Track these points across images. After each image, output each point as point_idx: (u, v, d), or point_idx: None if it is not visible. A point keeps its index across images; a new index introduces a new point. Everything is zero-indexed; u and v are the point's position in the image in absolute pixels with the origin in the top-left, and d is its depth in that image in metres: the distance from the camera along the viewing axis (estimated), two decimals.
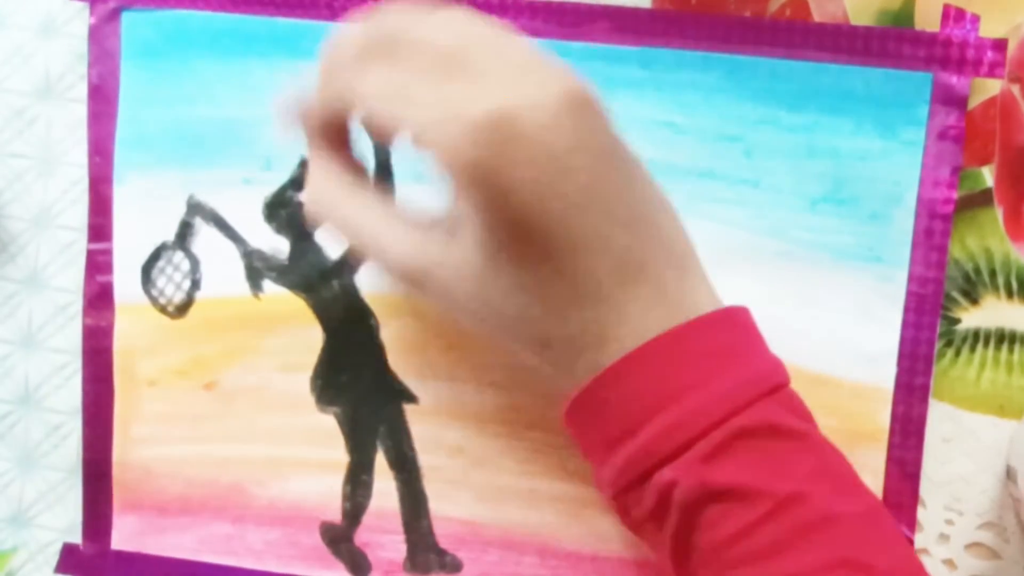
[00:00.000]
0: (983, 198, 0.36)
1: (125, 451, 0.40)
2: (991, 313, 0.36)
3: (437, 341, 0.38)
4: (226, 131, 0.39)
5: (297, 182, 0.39)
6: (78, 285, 0.40)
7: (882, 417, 0.36)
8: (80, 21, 0.40)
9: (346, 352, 0.39)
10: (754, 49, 0.36)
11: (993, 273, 0.36)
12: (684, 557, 0.31)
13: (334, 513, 0.39)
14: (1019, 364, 0.36)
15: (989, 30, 0.35)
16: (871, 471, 0.36)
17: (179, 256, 0.40)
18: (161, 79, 0.39)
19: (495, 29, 0.30)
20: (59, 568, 0.41)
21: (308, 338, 0.39)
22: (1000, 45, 0.35)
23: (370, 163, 0.38)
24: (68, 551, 0.41)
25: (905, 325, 0.36)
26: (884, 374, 0.36)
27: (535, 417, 0.38)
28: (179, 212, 0.39)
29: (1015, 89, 0.36)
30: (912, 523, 0.36)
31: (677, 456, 0.30)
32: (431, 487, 0.38)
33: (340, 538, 0.39)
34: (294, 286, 0.39)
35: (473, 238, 0.30)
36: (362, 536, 0.39)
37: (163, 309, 0.40)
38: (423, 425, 0.38)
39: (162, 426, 0.40)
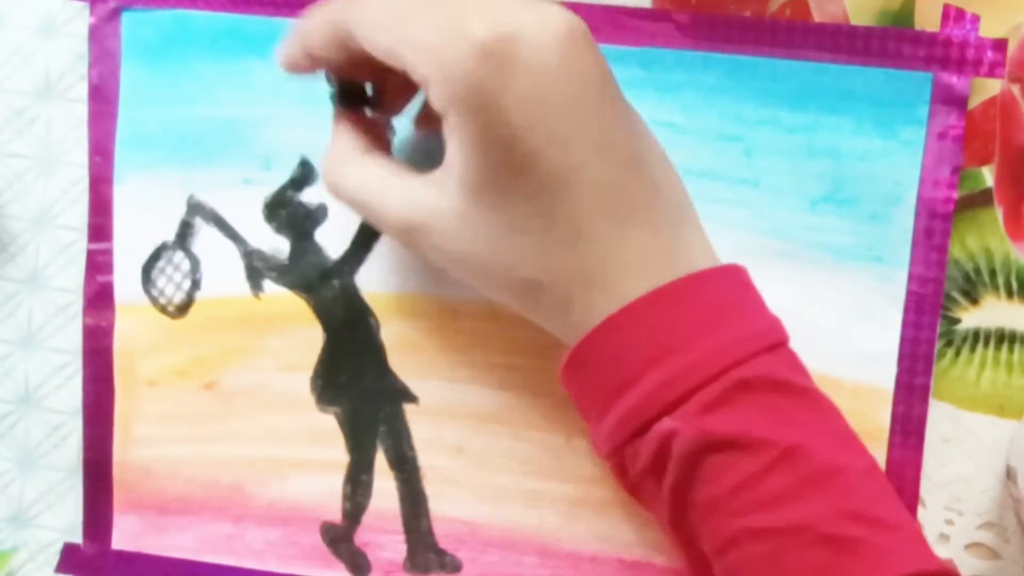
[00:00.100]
0: (983, 198, 0.36)
1: (125, 451, 0.40)
2: (991, 313, 0.36)
3: (437, 341, 0.38)
4: (226, 131, 0.39)
5: (297, 182, 0.39)
6: (78, 285, 0.40)
7: (882, 417, 0.36)
8: (80, 21, 0.39)
9: (346, 352, 0.39)
10: (754, 49, 0.36)
11: (993, 273, 0.36)
12: (682, 513, 0.31)
13: (334, 513, 0.39)
14: (1019, 364, 0.36)
15: (989, 30, 0.35)
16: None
17: (179, 256, 0.40)
18: (161, 79, 0.39)
19: None
20: (59, 568, 0.41)
21: (308, 338, 0.39)
22: (1000, 45, 0.35)
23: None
24: (68, 551, 0.41)
25: (905, 325, 0.36)
26: (884, 374, 0.36)
27: (535, 417, 0.38)
28: (179, 212, 0.39)
29: (1015, 89, 0.36)
30: None
31: (677, 406, 0.30)
32: (431, 487, 0.38)
33: (340, 538, 0.39)
34: (294, 286, 0.39)
35: (461, 181, 0.30)
36: (362, 536, 0.39)
37: (163, 309, 0.40)
38: (423, 425, 0.38)
39: (162, 426, 0.40)
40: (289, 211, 0.39)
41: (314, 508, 0.39)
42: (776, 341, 0.31)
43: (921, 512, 0.37)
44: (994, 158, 0.36)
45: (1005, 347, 0.36)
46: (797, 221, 0.36)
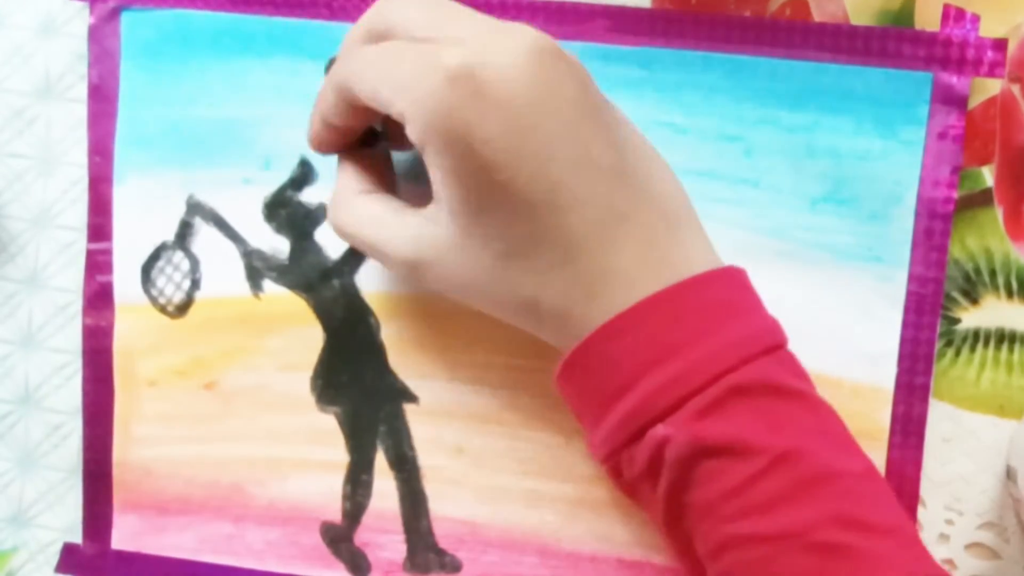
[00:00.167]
0: (983, 198, 0.36)
1: (125, 451, 0.40)
2: (991, 313, 0.36)
3: (437, 341, 0.38)
4: (226, 131, 0.39)
5: (297, 182, 0.39)
6: (78, 285, 0.40)
7: (882, 417, 0.36)
8: (80, 21, 0.39)
9: (346, 352, 0.39)
10: (754, 49, 0.36)
11: (993, 273, 0.36)
12: (677, 517, 0.31)
13: (334, 513, 0.39)
14: (1019, 364, 0.36)
15: (989, 30, 0.35)
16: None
17: (179, 256, 0.40)
18: (161, 79, 0.39)
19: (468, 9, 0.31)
20: (59, 568, 0.41)
21: (308, 338, 0.39)
22: (1000, 45, 0.35)
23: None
24: (68, 551, 0.41)
25: (905, 325, 0.36)
26: (884, 374, 0.36)
27: (535, 417, 0.38)
28: (179, 212, 0.39)
29: (1015, 89, 0.36)
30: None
31: (671, 412, 0.30)
32: (431, 487, 0.38)
33: (340, 538, 0.39)
34: (294, 286, 0.39)
35: (450, 214, 0.31)
36: (362, 536, 0.39)
37: (163, 309, 0.40)
38: (423, 425, 0.38)
39: (162, 426, 0.40)
40: (289, 211, 0.39)
41: (314, 508, 0.39)
42: (773, 344, 0.31)
43: (921, 512, 0.37)
44: (994, 158, 0.36)
45: (1005, 347, 0.36)
46: (797, 221, 0.36)
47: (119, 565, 0.40)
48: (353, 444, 0.39)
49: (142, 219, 0.40)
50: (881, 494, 0.31)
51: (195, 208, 0.39)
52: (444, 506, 0.38)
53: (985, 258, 0.36)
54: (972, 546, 0.37)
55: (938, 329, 0.36)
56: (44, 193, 0.40)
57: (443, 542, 0.39)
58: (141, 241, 0.40)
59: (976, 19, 0.35)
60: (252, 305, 0.39)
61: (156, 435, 0.40)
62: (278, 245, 0.39)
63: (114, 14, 0.39)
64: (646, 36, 0.37)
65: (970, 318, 0.37)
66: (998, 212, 0.36)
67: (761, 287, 0.33)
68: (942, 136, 0.36)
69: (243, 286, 0.39)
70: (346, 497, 0.39)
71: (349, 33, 0.33)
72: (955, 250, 0.36)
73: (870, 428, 0.36)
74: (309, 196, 0.39)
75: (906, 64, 0.36)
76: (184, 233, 0.39)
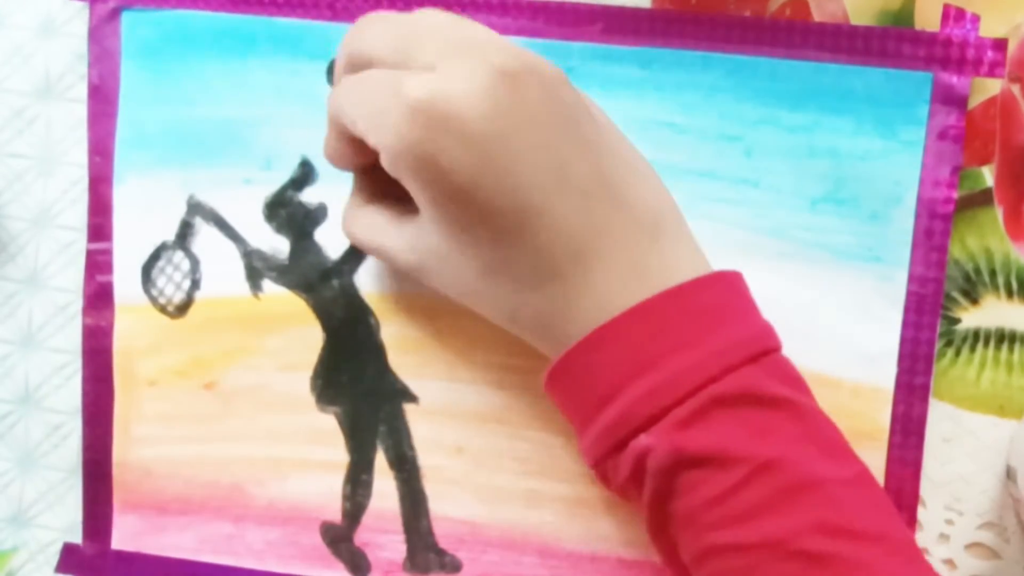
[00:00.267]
0: (983, 198, 0.36)
1: (125, 451, 0.40)
2: (991, 313, 0.36)
3: (437, 341, 0.38)
4: (226, 131, 0.39)
5: (297, 182, 0.39)
6: (78, 285, 0.40)
7: (882, 417, 0.36)
8: (80, 21, 0.40)
9: (346, 352, 0.39)
10: (754, 49, 0.36)
11: (993, 273, 0.36)
12: (661, 525, 0.31)
13: (334, 513, 0.39)
14: (1019, 364, 0.36)
15: (989, 30, 0.35)
16: (871, 471, 0.36)
17: (179, 256, 0.40)
18: (161, 79, 0.39)
19: (449, 19, 0.31)
20: (59, 568, 0.41)
21: (308, 338, 0.39)
22: (1000, 45, 0.35)
23: None
24: (68, 551, 0.41)
25: (905, 325, 0.36)
26: (884, 374, 0.36)
27: (535, 417, 0.38)
28: (179, 212, 0.39)
29: (1015, 89, 0.36)
30: (912, 523, 0.36)
31: (653, 423, 0.30)
32: (431, 487, 0.38)
33: (340, 538, 0.39)
34: (294, 286, 0.39)
35: (434, 227, 0.31)
36: (362, 536, 0.39)
37: (163, 309, 0.40)
38: (423, 425, 0.38)
39: (162, 426, 0.40)
40: (289, 211, 0.39)
41: (314, 508, 0.39)
42: (760, 350, 0.31)
43: (921, 512, 0.37)
44: (994, 158, 0.36)
45: (1005, 347, 0.36)
46: (797, 221, 0.36)
47: (119, 565, 0.40)
48: (353, 444, 0.39)
49: (142, 219, 0.40)
50: (870, 501, 0.30)
51: (195, 208, 0.39)
52: (444, 506, 0.38)
53: (985, 258, 0.36)
54: (972, 546, 0.37)
55: (938, 329, 0.36)
56: (44, 193, 0.40)
57: (443, 542, 0.39)
58: (141, 241, 0.40)
59: (976, 19, 0.35)
60: (252, 305, 0.39)
61: (156, 435, 0.40)
62: (278, 245, 0.39)
63: (114, 14, 0.39)
64: (646, 36, 0.37)
65: (970, 318, 0.37)
66: (998, 212, 0.36)
67: (761, 287, 0.33)
68: (942, 136, 0.36)
69: (243, 286, 0.39)
70: (346, 497, 0.39)
71: (336, 60, 0.33)
72: (955, 250, 0.36)
73: (870, 428, 0.36)
74: (309, 196, 0.39)
75: (906, 64, 0.36)
76: (184, 233, 0.39)
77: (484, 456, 0.38)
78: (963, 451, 0.37)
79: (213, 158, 0.39)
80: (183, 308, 0.40)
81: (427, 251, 0.32)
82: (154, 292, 0.40)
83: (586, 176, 0.31)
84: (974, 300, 0.37)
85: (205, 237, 0.39)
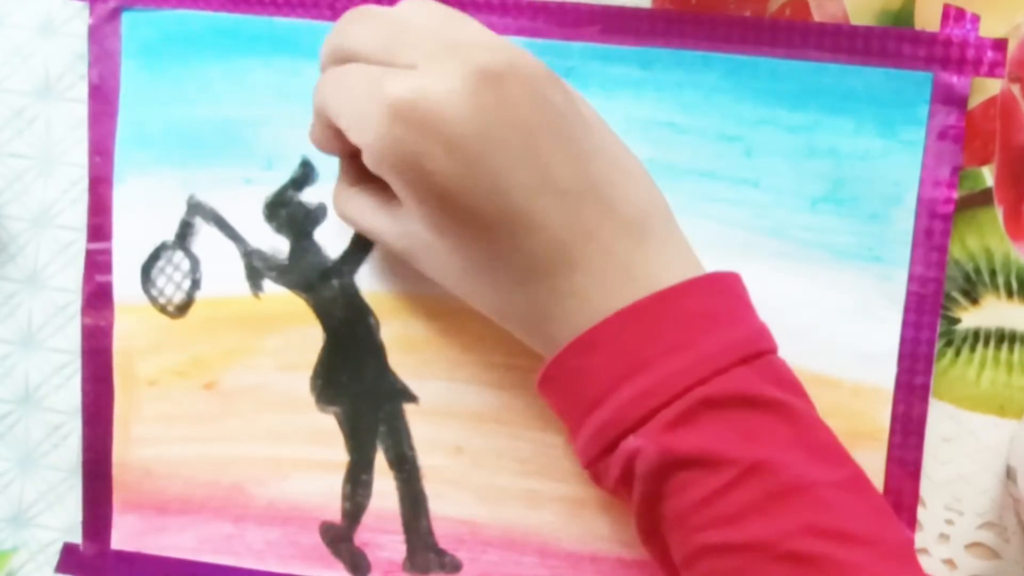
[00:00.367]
0: (983, 198, 0.36)
1: (125, 451, 0.40)
2: (991, 313, 0.36)
3: (437, 341, 0.38)
4: (226, 131, 0.39)
5: (297, 182, 0.39)
6: (78, 285, 0.40)
7: (882, 417, 0.36)
8: (80, 21, 0.40)
9: (346, 352, 0.39)
10: (754, 49, 0.36)
11: (993, 273, 0.36)
12: (651, 526, 0.31)
13: (334, 513, 0.39)
14: (1019, 364, 0.36)
15: (989, 30, 0.35)
16: (871, 471, 0.36)
17: (179, 256, 0.40)
18: (161, 79, 0.39)
19: (436, 15, 0.31)
20: (59, 568, 0.41)
21: (308, 338, 0.39)
22: (1000, 45, 0.35)
23: None
24: (68, 551, 0.41)
25: (905, 325, 0.36)
26: (884, 374, 0.36)
27: (535, 417, 0.38)
28: (179, 212, 0.39)
29: (1015, 89, 0.36)
30: (912, 523, 0.36)
31: (642, 425, 0.30)
32: (431, 487, 0.38)
33: (340, 538, 0.39)
34: (294, 286, 0.39)
35: (420, 223, 0.31)
36: (362, 536, 0.39)
37: (163, 309, 0.40)
38: (423, 425, 0.38)
39: (162, 426, 0.40)
40: (289, 211, 0.39)
41: (314, 508, 0.39)
42: (752, 352, 0.31)
43: (921, 512, 0.37)
44: (994, 158, 0.36)
45: (1005, 347, 0.36)
46: (797, 221, 0.36)
47: (119, 565, 0.40)
48: (353, 444, 0.39)
49: (142, 219, 0.40)
50: (863, 503, 0.30)
51: (195, 208, 0.39)
52: (444, 506, 0.38)
53: (985, 258, 0.36)
54: (972, 546, 0.37)
55: (938, 329, 0.36)
56: (44, 193, 0.40)
57: (443, 542, 0.39)
58: (141, 241, 0.40)
59: (976, 19, 0.35)
60: (252, 305, 0.39)
61: (156, 435, 0.40)
62: (278, 245, 0.39)
63: (114, 14, 0.39)
64: (646, 36, 0.37)
65: (970, 318, 0.37)
66: (998, 212, 0.36)
67: (761, 287, 0.33)
68: (942, 136, 0.36)
69: (243, 286, 0.39)
70: (346, 497, 0.39)
71: (321, 50, 0.33)
72: (955, 250, 0.36)
73: (870, 428, 0.36)
74: (309, 196, 0.39)
75: (906, 64, 0.36)
76: (184, 233, 0.39)
77: (484, 456, 0.38)
78: (963, 451, 0.37)
79: (213, 158, 0.39)
80: (183, 308, 0.40)
81: (416, 240, 0.32)
82: (154, 292, 0.40)
83: (571, 178, 0.30)
84: (974, 300, 0.37)
85: (205, 237, 0.39)
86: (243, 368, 0.39)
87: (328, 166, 0.38)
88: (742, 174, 0.37)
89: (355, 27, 0.32)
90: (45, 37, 0.40)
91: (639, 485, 0.30)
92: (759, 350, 0.31)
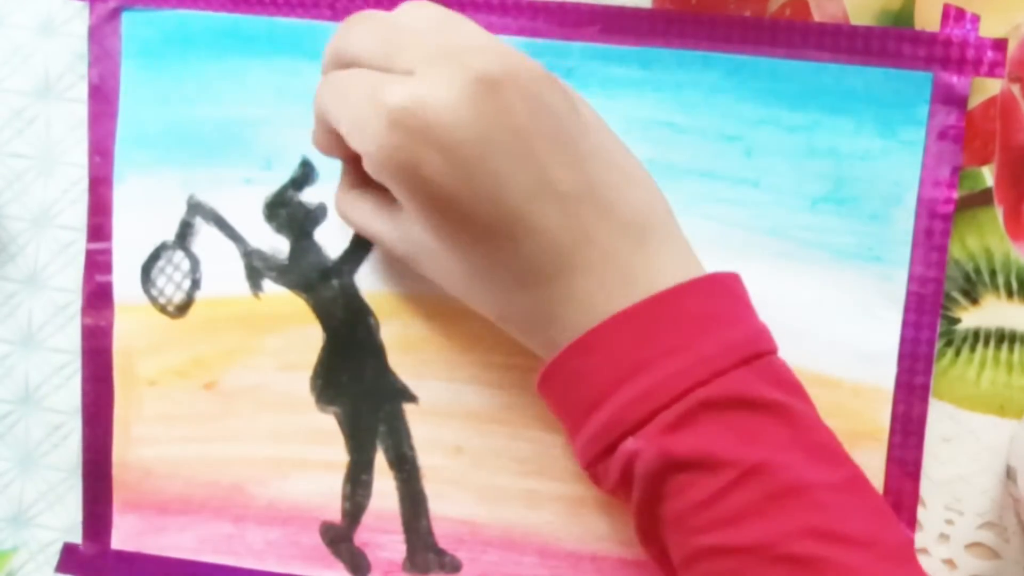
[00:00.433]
0: (983, 198, 0.36)
1: (125, 451, 0.40)
2: (991, 313, 0.36)
3: (437, 341, 0.38)
4: (226, 131, 0.39)
5: (297, 182, 0.39)
6: (78, 285, 0.40)
7: (882, 417, 0.36)
8: (80, 21, 0.39)
9: (346, 352, 0.39)
10: (754, 49, 0.36)
11: (993, 273, 0.36)
12: (650, 528, 0.31)
13: (334, 513, 0.39)
14: (1019, 364, 0.36)
15: (989, 30, 0.35)
16: (871, 471, 0.36)
17: (179, 256, 0.40)
18: (161, 79, 0.39)
19: (435, 20, 0.31)
20: (59, 568, 0.41)
21: (308, 338, 0.39)
22: (1000, 45, 0.35)
23: None
24: (68, 551, 0.41)
25: (905, 325, 0.36)
26: (884, 374, 0.36)
27: (534, 417, 0.38)
28: (179, 212, 0.39)
29: (1015, 89, 0.36)
30: (912, 523, 0.36)
31: (641, 427, 0.30)
32: (431, 487, 0.38)
33: (340, 538, 0.39)
34: (294, 286, 0.39)
35: (420, 227, 0.32)
36: (362, 536, 0.39)
37: (163, 309, 0.40)
38: (423, 425, 0.38)
39: (162, 426, 0.40)
40: (289, 211, 0.39)
41: (314, 508, 0.39)
42: (752, 354, 0.31)
43: (921, 512, 0.37)
44: (994, 158, 0.36)
45: (1005, 347, 0.36)
46: (797, 221, 0.36)
47: (119, 565, 0.40)
48: (353, 444, 0.39)
49: (142, 219, 0.40)
50: (862, 505, 0.30)
51: (195, 208, 0.39)
52: (444, 506, 0.38)
53: (985, 258, 0.36)
54: (972, 546, 0.37)
55: (938, 329, 0.36)
56: (44, 193, 0.40)
57: (443, 542, 0.39)
58: (141, 241, 0.40)
59: (976, 19, 0.35)
60: (252, 305, 0.39)
61: (156, 435, 0.40)
62: (278, 245, 0.39)
63: (114, 14, 0.39)
64: (646, 36, 0.37)
65: (970, 318, 0.37)
66: (998, 212, 0.36)
67: (761, 287, 0.33)
68: (942, 136, 0.36)
69: (243, 286, 0.39)
70: (346, 497, 0.39)
71: (324, 54, 0.33)
72: (955, 250, 0.36)
73: (870, 428, 0.36)
74: (309, 196, 0.39)
75: (906, 64, 0.36)
76: (184, 233, 0.39)
77: (483, 456, 0.38)
78: (963, 451, 0.37)
79: (213, 158, 0.39)
80: (183, 308, 0.40)
81: (417, 244, 0.33)
82: (154, 292, 0.40)
83: (569, 182, 0.30)
84: (974, 300, 0.37)
85: (205, 237, 0.39)
86: (243, 368, 0.39)
87: (328, 166, 0.38)
88: (742, 174, 0.37)
89: (354, 32, 0.32)
90: (45, 37, 0.40)
91: (638, 487, 0.30)
92: (759, 351, 0.31)
